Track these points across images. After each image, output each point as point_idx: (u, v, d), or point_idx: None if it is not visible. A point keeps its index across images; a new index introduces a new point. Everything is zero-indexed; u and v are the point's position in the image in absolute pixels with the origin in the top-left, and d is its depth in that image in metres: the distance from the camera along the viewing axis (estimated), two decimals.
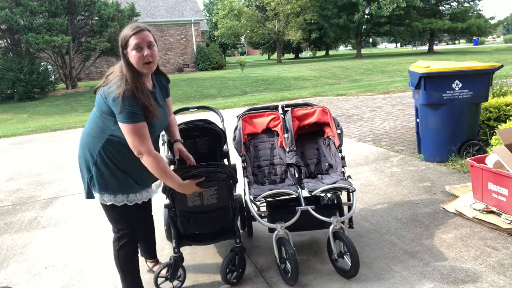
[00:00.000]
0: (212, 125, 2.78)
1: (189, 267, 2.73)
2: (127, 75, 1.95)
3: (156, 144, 2.19)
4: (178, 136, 2.38)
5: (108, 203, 2.10)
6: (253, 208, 2.64)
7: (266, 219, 2.67)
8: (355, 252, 2.38)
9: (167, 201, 2.71)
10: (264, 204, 2.83)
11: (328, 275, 2.53)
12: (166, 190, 2.25)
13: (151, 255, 2.71)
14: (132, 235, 2.22)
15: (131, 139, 1.93)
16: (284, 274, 2.48)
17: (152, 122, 2.01)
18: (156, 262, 2.74)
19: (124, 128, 1.92)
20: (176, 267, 2.44)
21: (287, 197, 2.75)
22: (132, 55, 1.95)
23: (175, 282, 2.48)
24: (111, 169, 2.05)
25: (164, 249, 3.04)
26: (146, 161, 1.97)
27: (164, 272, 2.46)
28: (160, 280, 2.46)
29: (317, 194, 2.59)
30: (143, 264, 2.70)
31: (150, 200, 2.40)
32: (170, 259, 2.43)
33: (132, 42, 1.94)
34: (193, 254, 2.90)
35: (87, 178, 2.10)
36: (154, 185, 2.33)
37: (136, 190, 2.14)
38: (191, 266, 2.76)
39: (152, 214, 2.60)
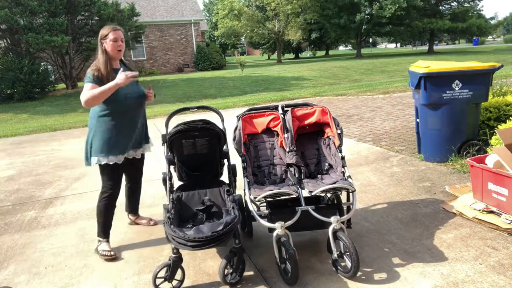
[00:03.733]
0: (212, 125, 2.78)
1: (189, 267, 2.73)
2: (101, 58, 2.81)
3: (135, 111, 2.96)
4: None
5: (103, 163, 2.84)
6: (253, 208, 2.64)
7: (266, 219, 2.67)
8: (355, 252, 2.38)
9: (166, 202, 2.71)
10: (264, 204, 2.83)
11: (328, 275, 2.53)
12: (166, 142, 2.77)
13: (134, 210, 3.45)
14: (112, 193, 2.96)
15: (83, 91, 2.73)
16: (284, 274, 2.48)
17: (117, 90, 2.75)
18: (137, 217, 3.48)
19: (84, 86, 2.75)
20: (175, 268, 2.43)
21: (287, 197, 2.75)
22: (110, 44, 2.82)
23: (174, 283, 2.48)
24: (103, 137, 2.83)
25: (164, 249, 3.04)
26: (86, 103, 2.72)
27: (162, 272, 2.46)
28: (158, 280, 2.45)
29: (317, 194, 2.59)
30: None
31: (137, 162, 3.17)
32: (169, 259, 2.43)
33: (111, 36, 2.81)
34: (193, 254, 2.90)
35: (89, 148, 2.88)
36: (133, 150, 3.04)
37: (120, 151, 2.89)
38: (191, 266, 2.76)
39: (141, 176, 3.31)
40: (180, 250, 2.44)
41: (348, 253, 2.45)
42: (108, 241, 3.02)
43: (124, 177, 3.17)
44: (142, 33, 21.50)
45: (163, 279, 2.45)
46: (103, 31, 2.83)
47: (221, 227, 2.30)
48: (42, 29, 15.42)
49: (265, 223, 2.58)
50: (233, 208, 2.57)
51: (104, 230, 3.02)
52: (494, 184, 3.08)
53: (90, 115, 2.94)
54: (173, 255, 2.43)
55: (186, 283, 2.55)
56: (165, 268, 2.45)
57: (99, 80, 2.76)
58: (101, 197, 2.96)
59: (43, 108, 14.15)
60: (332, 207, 2.77)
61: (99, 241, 3.03)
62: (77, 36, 18.09)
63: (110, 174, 2.92)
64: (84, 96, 2.70)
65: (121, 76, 2.66)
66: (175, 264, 2.43)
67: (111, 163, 2.85)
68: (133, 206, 3.45)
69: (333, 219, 2.49)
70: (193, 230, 2.31)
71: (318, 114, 3.08)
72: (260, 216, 2.66)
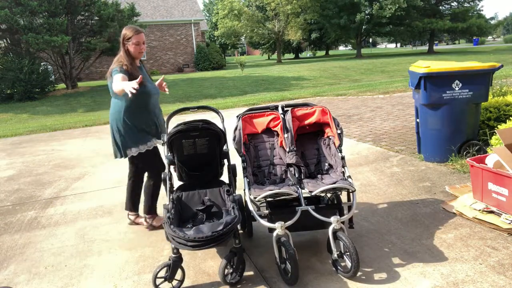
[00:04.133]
0: (212, 126, 2.78)
1: (189, 267, 2.73)
2: (125, 59, 3.01)
3: (156, 104, 3.22)
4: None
5: (135, 154, 3.12)
6: (253, 208, 2.64)
7: (266, 219, 2.67)
8: (355, 252, 2.38)
9: (166, 202, 2.71)
10: (264, 204, 2.83)
11: (328, 275, 2.53)
12: (166, 142, 2.81)
13: (135, 207, 3.49)
14: (138, 179, 3.36)
15: (114, 83, 2.88)
16: (284, 274, 2.48)
17: (146, 86, 3.03)
18: (137, 216, 3.51)
19: (114, 77, 2.90)
20: (175, 268, 2.43)
21: (287, 197, 2.75)
22: (132, 47, 3.04)
23: (174, 283, 2.48)
24: (135, 129, 3.08)
25: (164, 249, 3.04)
26: (116, 87, 2.87)
27: (163, 272, 2.46)
28: (158, 280, 2.45)
29: (317, 194, 2.59)
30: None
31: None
32: (169, 259, 2.43)
33: (134, 40, 3.02)
34: (193, 254, 2.90)
35: (120, 142, 3.14)
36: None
37: (148, 140, 3.15)
38: (191, 266, 2.76)
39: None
40: (180, 250, 2.44)
41: (348, 253, 2.45)
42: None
43: (131, 169, 3.36)
44: None
45: (163, 279, 2.45)
46: (126, 32, 3.01)
47: (221, 227, 2.30)
48: (42, 29, 15.42)
49: (265, 223, 2.58)
50: (233, 208, 2.57)
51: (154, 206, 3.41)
52: (494, 184, 3.08)
53: (115, 110, 3.15)
54: (173, 255, 2.43)
55: (186, 283, 2.55)
56: (165, 268, 2.45)
57: (127, 73, 2.97)
58: (130, 180, 3.36)
59: (43, 108, 14.15)
60: (332, 207, 2.77)
61: (150, 217, 3.38)
62: (77, 36, 18.08)
63: (152, 160, 3.20)
64: (115, 87, 2.88)
65: (131, 86, 2.64)
66: (175, 264, 2.43)
67: (145, 150, 3.13)
68: (137, 203, 3.49)
69: (333, 219, 2.49)
70: (193, 230, 2.31)
71: (318, 114, 3.07)
72: (260, 216, 2.66)
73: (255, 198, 2.57)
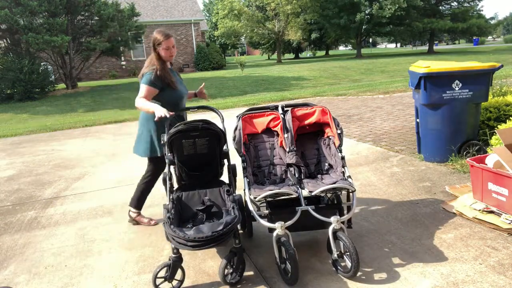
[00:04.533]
0: (212, 126, 2.78)
1: (189, 267, 2.73)
2: (157, 63, 3.10)
3: (183, 105, 3.29)
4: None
5: (159, 155, 3.21)
6: (253, 208, 2.64)
7: (265, 219, 2.67)
8: (355, 252, 2.38)
9: (166, 202, 2.71)
10: (264, 204, 2.83)
11: (328, 275, 2.53)
12: (166, 142, 2.79)
13: (140, 205, 3.53)
14: (154, 178, 3.41)
15: (140, 91, 3.05)
16: (284, 274, 2.48)
17: (176, 88, 3.15)
18: (138, 214, 3.54)
19: (141, 87, 3.07)
20: (175, 268, 2.43)
21: (287, 197, 2.75)
22: (163, 52, 3.10)
23: (174, 283, 2.48)
24: (161, 131, 3.12)
25: (164, 249, 3.04)
26: (137, 102, 3.04)
27: (163, 272, 2.46)
28: (158, 280, 2.45)
29: (317, 194, 2.59)
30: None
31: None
32: (169, 259, 2.43)
33: (164, 45, 3.08)
34: (193, 254, 2.90)
35: (150, 141, 3.22)
36: None
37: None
38: (191, 266, 2.76)
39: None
40: (180, 250, 2.44)
41: (348, 253, 2.45)
42: None
43: (153, 169, 3.42)
44: (142, 33, 21.46)
45: (163, 279, 2.45)
46: (157, 37, 3.09)
47: (221, 227, 2.30)
48: (42, 29, 15.41)
49: (265, 223, 2.58)
50: (233, 208, 2.57)
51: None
52: (494, 184, 3.08)
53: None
54: (173, 255, 2.43)
55: (186, 283, 2.55)
56: (165, 268, 2.45)
57: (159, 80, 3.07)
58: (144, 179, 3.44)
59: (43, 108, 14.14)
60: (332, 207, 2.77)
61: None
62: (77, 36, 18.07)
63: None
64: (137, 103, 3.05)
65: (161, 113, 2.84)
66: (175, 264, 2.43)
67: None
68: (142, 202, 3.52)
69: (333, 219, 2.49)
70: (193, 230, 2.31)
71: (318, 114, 3.07)
72: (260, 216, 2.66)
73: (255, 198, 2.57)
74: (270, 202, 2.78)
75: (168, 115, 2.83)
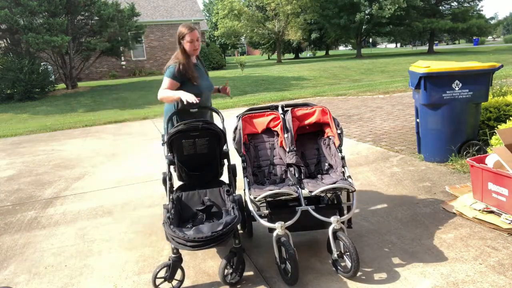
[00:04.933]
0: (212, 126, 2.78)
1: (189, 267, 2.73)
2: (181, 57, 3.10)
3: (206, 100, 3.24)
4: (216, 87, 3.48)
5: None
6: (253, 208, 2.64)
7: (265, 219, 2.67)
8: (355, 252, 2.38)
9: (166, 202, 2.71)
10: (264, 204, 2.83)
11: (328, 275, 2.53)
12: (166, 142, 2.79)
13: None
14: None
15: (162, 84, 3.09)
16: (284, 274, 2.48)
17: (196, 83, 3.11)
18: None
19: (163, 79, 3.10)
20: (174, 268, 2.43)
21: (287, 197, 2.75)
22: (187, 45, 3.09)
23: (174, 283, 2.48)
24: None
25: (164, 249, 3.04)
26: (159, 94, 3.09)
27: (162, 272, 2.46)
28: (158, 280, 2.45)
29: (317, 194, 2.59)
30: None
31: None
32: (169, 259, 2.43)
33: (188, 38, 3.07)
34: (193, 254, 2.90)
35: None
36: None
37: None
38: (191, 266, 2.76)
39: None
40: (180, 250, 2.44)
41: (348, 253, 2.45)
42: None
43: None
44: (142, 33, 21.48)
45: (163, 279, 2.45)
46: (181, 30, 3.10)
47: (220, 227, 2.30)
48: (42, 29, 15.41)
49: (265, 223, 2.58)
50: (233, 208, 2.57)
51: None
52: (494, 184, 3.08)
53: (170, 105, 3.24)
54: (173, 255, 2.43)
55: (186, 283, 2.55)
56: (165, 268, 2.45)
57: (181, 74, 3.08)
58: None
59: (43, 108, 14.15)
60: (332, 207, 2.77)
61: None
62: (77, 36, 18.06)
63: None
64: (160, 94, 3.08)
65: (188, 96, 2.85)
66: (175, 264, 2.43)
67: None
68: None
69: (333, 219, 2.49)
70: (193, 230, 2.31)
71: (318, 114, 3.08)
72: (260, 216, 2.66)
73: (255, 198, 2.57)
74: (270, 202, 2.78)
75: (196, 101, 2.80)
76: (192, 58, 3.21)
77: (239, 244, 2.49)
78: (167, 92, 3.02)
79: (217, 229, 2.29)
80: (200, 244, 2.26)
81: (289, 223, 2.50)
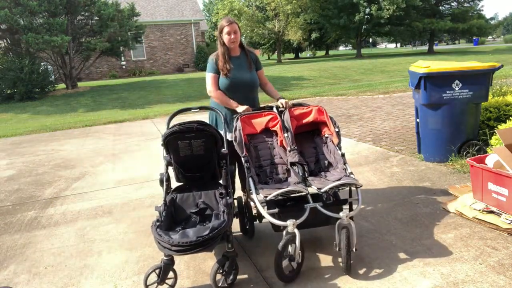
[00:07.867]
0: (207, 127, 2.72)
1: (189, 267, 2.73)
2: (220, 48, 3.23)
3: (244, 95, 3.26)
4: (278, 95, 3.37)
5: (230, 139, 3.12)
6: (261, 208, 2.60)
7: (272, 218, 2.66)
8: (348, 249, 2.43)
9: (159, 204, 2.67)
10: (264, 204, 2.82)
11: (328, 274, 2.53)
12: (163, 144, 2.77)
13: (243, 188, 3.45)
14: (233, 163, 3.25)
15: (207, 82, 3.30)
16: (285, 272, 2.46)
17: (228, 76, 3.18)
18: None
19: (207, 75, 3.29)
20: (166, 270, 2.39)
21: (298, 194, 2.73)
22: (226, 38, 3.18)
23: (166, 286, 2.44)
24: (226, 118, 3.18)
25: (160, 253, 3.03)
26: (213, 95, 3.26)
27: (153, 275, 2.42)
28: (149, 282, 2.40)
29: (326, 190, 2.58)
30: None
31: None
32: (161, 261, 2.39)
33: (226, 29, 3.16)
34: (193, 254, 2.89)
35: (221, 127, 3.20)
36: None
37: (231, 130, 3.17)
38: (191, 266, 2.76)
39: None
40: None
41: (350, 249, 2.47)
42: None
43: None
44: (142, 33, 21.48)
45: (155, 282, 2.40)
46: (222, 23, 3.21)
47: (207, 232, 2.23)
48: (42, 29, 15.41)
49: (275, 221, 2.53)
50: (223, 212, 2.50)
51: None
52: (494, 184, 3.08)
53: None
54: (165, 258, 2.37)
55: (186, 283, 2.55)
56: (157, 270, 2.39)
57: (216, 65, 3.22)
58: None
59: (43, 108, 14.15)
60: (340, 203, 2.77)
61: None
62: (77, 36, 18.07)
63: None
64: (216, 97, 3.23)
65: (242, 109, 3.11)
66: (166, 267, 2.38)
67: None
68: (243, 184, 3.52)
69: (341, 214, 2.49)
70: (179, 235, 2.24)
71: (315, 113, 3.11)
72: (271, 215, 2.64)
73: (265, 197, 2.55)
74: (276, 201, 2.77)
75: (241, 110, 3.04)
76: (235, 51, 3.28)
77: (232, 248, 2.44)
78: (224, 98, 3.18)
79: (203, 234, 2.22)
80: (185, 248, 2.19)
81: (300, 220, 2.49)
